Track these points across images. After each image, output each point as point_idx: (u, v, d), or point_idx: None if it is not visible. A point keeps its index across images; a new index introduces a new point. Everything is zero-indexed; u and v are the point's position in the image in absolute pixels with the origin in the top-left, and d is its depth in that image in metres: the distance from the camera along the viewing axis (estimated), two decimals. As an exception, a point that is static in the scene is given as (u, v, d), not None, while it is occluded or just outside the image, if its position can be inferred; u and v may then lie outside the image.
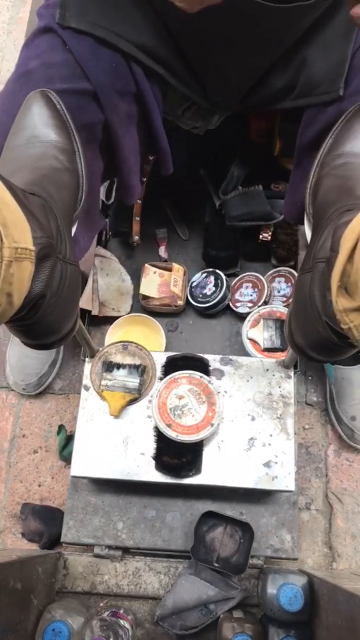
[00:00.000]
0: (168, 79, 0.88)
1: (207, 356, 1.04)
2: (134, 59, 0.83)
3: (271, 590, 0.96)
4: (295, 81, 0.86)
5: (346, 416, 1.19)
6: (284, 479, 0.95)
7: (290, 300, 1.28)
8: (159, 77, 0.88)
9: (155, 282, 1.35)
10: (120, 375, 0.99)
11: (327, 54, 0.81)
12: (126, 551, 1.10)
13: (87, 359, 1.02)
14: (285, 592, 0.92)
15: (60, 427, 1.26)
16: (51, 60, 0.80)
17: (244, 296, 1.32)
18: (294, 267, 1.36)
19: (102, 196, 1.25)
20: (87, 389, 1.01)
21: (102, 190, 1.17)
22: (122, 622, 0.96)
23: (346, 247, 0.49)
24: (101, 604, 1.08)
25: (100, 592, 1.07)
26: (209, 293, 1.31)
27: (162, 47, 0.83)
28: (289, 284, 1.32)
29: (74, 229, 0.76)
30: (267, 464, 0.96)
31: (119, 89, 0.83)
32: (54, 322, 0.63)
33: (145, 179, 1.17)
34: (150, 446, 0.97)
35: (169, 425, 0.94)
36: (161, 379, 1.00)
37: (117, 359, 1.01)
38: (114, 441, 0.98)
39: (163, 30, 0.82)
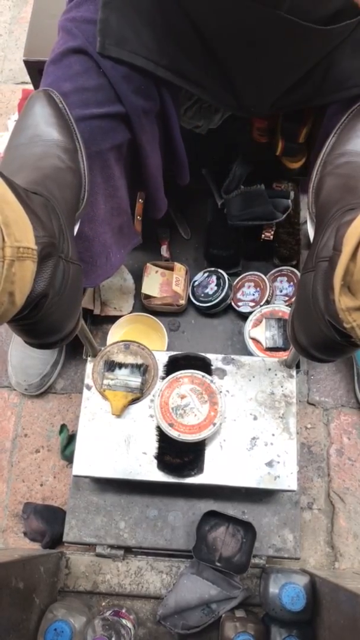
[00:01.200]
0: (201, 96, 0.89)
1: (209, 355, 1.04)
2: (165, 81, 0.84)
3: (273, 589, 0.95)
4: (325, 80, 0.85)
5: None
6: (286, 479, 0.95)
7: (293, 299, 1.27)
8: (178, 89, 0.88)
9: (157, 282, 1.34)
10: (122, 374, 0.99)
11: (356, 51, 0.81)
12: (128, 550, 1.10)
13: (89, 359, 1.02)
14: (287, 591, 0.92)
15: (62, 427, 1.26)
16: (85, 85, 0.80)
17: (246, 295, 1.32)
18: (296, 267, 1.35)
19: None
20: (89, 388, 1.01)
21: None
22: (124, 621, 0.96)
23: (349, 245, 0.48)
24: (103, 604, 1.08)
25: (102, 592, 1.07)
26: (211, 292, 1.31)
27: (196, 68, 0.83)
28: (291, 283, 1.32)
29: (76, 228, 0.76)
30: (269, 464, 0.96)
31: (147, 109, 0.84)
32: (56, 322, 0.63)
33: (142, 201, 1.17)
34: (152, 445, 0.97)
35: (171, 425, 0.93)
36: (163, 378, 1.00)
37: (119, 358, 1.01)
38: (116, 440, 0.98)
39: (199, 51, 0.81)
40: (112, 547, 1.08)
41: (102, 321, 1.35)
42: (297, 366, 1.03)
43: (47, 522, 1.16)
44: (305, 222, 1.39)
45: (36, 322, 0.59)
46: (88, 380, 1.01)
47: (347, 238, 0.50)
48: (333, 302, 0.52)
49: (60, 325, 0.64)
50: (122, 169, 0.90)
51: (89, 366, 1.01)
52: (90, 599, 1.08)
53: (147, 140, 0.88)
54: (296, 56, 0.80)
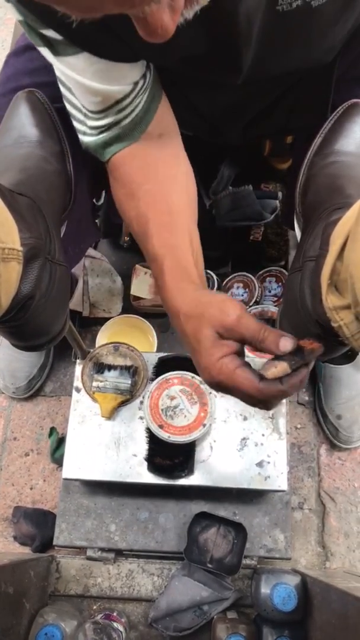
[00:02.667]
0: None
1: (199, 356, 1.04)
2: None
3: (265, 590, 0.95)
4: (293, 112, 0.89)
5: (332, 415, 1.19)
6: (277, 479, 0.95)
7: (281, 299, 1.28)
8: None
9: (147, 283, 1.34)
10: (111, 376, 0.99)
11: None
12: (119, 553, 1.10)
13: (78, 361, 1.01)
14: (278, 592, 0.92)
15: (52, 430, 1.25)
16: (45, 80, 0.78)
17: (235, 296, 1.32)
18: (285, 267, 1.36)
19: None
20: (78, 390, 1.00)
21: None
22: (115, 624, 0.96)
23: (336, 244, 0.48)
24: (94, 607, 1.07)
25: (93, 595, 1.07)
26: (200, 293, 1.30)
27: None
28: (280, 284, 1.32)
29: (63, 229, 0.76)
30: (259, 464, 0.96)
31: None
32: (43, 324, 0.63)
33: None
34: (143, 447, 0.97)
35: (161, 426, 0.93)
36: (153, 379, 0.99)
37: (109, 360, 1.01)
38: (105, 443, 0.97)
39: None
40: (102, 550, 1.07)
41: (91, 323, 1.35)
42: (287, 366, 1.03)
43: (37, 526, 1.15)
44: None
45: (23, 324, 0.58)
46: (77, 382, 1.00)
47: (334, 237, 0.50)
48: (320, 302, 0.52)
49: (47, 327, 0.64)
50: (80, 163, 0.89)
51: (78, 368, 1.01)
52: (81, 602, 1.07)
53: None
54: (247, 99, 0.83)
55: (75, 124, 0.73)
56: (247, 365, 0.58)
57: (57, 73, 0.67)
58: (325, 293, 0.50)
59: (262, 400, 0.58)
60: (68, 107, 0.72)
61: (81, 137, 0.73)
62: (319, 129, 0.77)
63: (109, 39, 0.58)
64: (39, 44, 0.63)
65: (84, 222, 0.96)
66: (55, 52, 0.63)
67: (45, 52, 0.64)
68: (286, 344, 0.54)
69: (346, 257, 0.46)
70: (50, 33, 0.60)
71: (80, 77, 0.64)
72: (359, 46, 0.75)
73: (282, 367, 0.55)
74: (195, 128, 0.90)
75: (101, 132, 0.71)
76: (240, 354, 0.59)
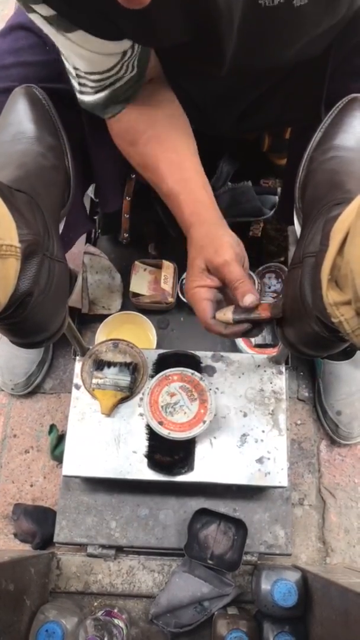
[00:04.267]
0: None
1: (199, 353, 1.04)
2: None
3: (265, 586, 0.95)
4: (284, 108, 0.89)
5: (332, 411, 1.19)
6: (277, 475, 0.95)
7: (281, 295, 1.27)
8: None
9: (146, 280, 1.34)
10: (111, 373, 0.98)
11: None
12: (119, 550, 1.10)
13: (77, 358, 1.01)
14: (279, 587, 0.92)
15: (52, 427, 1.25)
16: (29, 60, 0.80)
17: (234, 292, 1.31)
18: (284, 263, 1.35)
19: (91, 194, 1.24)
20: (78, 387, 1.00)
21: (91, 189, 1.16)
22: (116, 621, 0.96)
23: (336, 240, 0.48)
24: (95, 604, 1.07)
25: (94, 592, 1.07)
26: (199, 290, 1.30)
27: None
28: (279, 280, 1.31)
29: (61, 226, 0.75)
30: (259, 460, 0.96)
31: None
32: (42, 321, 0.62)
33: (129, 198, 1.17)
34: (143, 444, 0.97)
35: (160, 423, 0.93)
36: (152, 376, 0.99)
37: (108, 357, 1.01)
38: (105, 440, 0.97)
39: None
40: (103, 546, 1.07)
41: (91, 320, 1.34)
42: (287, 362, 1.03)
43: (38, 523, 1.15)
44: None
45: (21, 321, 0.58)
46: (77, 379, 1.00)
47: (334, 233, 0.50)
48: (321, 297, 0.52)
49: (46, 324, 0.64)
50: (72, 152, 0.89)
51: (78, 365, 1.01)
52: (82, 599, 1.07)
53: (94, 127, 0.86)
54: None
55: (72, 81, 0.74)
56: (213, 302, 0.71)
57: (50, 35, 0.67)
58: (326, 289, 0.50)
59: (205, 329, 0.72)
60: (65, 63, 0.72)
61: (79, 96, 0.75)
62: (315, 123, 0.77)
63: (99, 21, 0.60)
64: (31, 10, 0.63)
65: (73, 210, 0.97)
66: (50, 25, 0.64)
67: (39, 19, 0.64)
68: (248, 299, 0.67)
69: (346, 252, 0.46)
70: (43, 10, 0.60)
71: (72, 45, 0.65)
72: (352, 40, 0.75)
73: (227, 317, 0.69)
74: (189, 119, 0.90)
75: (97, 92, 0.73)
76: (220, 290, 0.72)
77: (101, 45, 0.64)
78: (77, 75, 0.71)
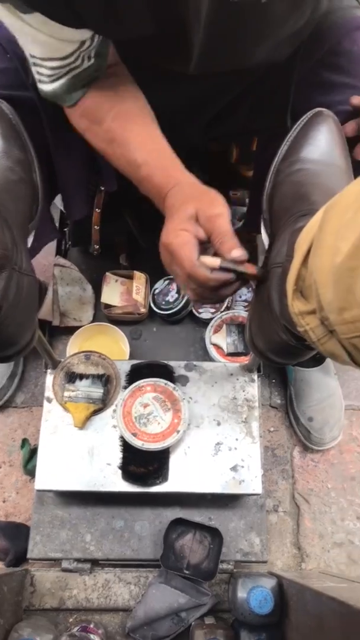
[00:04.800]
0: None
1: (172, 363, 1.04)
2: None
3: (241, 594, 0.96)
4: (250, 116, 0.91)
5: (304, 417, 1.21)
6: (251, 483, 0.96)
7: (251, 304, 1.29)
8: None
9: (117, 291, 1.34)
10: (83, 385, 0.98)
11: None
12: (95, 563, 1.08)
13: (49, 371, 1.01)
14: (255, 595, 0.93)
15: (24, 441, 1.23)
16: None
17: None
18: (255, 272, 1.37)
19: (60, 206, 1.24)
20: (49, 401, 0.99)
21: (60, 201, 1.16)
22: (92, 636, 0.95)
23: (300, 251, 0.49)
24: (70, 620, 1.06)
25: (69, 608, 1.05)
26: (171, 300, 1.31)
27: None
28: (250, 289, 1.33)
29: (30, 239, 0.75)
30: (233, 468, 0.96)
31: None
32: (12, 335, 0.62)
33: (99, 210, 1.18)
34: (116, 456, 0.97)
35: (134, 434, 0.93)
36: (125, 387, 0.99)
37: (80, 369, 1.00)
38: (79, 453, 0.97)
39: None
40: (78, 560, 1.06)
41: (62, 332, 1.34)
42: (259, 370, 1.04)
43: (11, 540, 1.13)
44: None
45: (-9, 335, 0.58)
46: (49, 392, 0.99)
47: (298, 244, 0.51)
48: (287, 307, 0.53)
49: (15, 339, 0.63)
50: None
51: (49, 378, 1.00)
52: (57, 615, 1.06)
53: (58, 136, 0.87)
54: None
55: (32, 70, 0.74)
56: (197, 250, 0.66)
57: (4, 18, 0.66)
58: (291, 299, 0.51)
59: (191, 278, 0.65)
60: (25, 52, 0.72)
61: (39, 86, 0.74)
62: (280, 132, 0.79)
63: (59, 5, 0.60)
64: None
65: (39, 219, 0.97)
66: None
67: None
68: (237, 252, 0.64)
69: (310, 263, 0.47)
70: None
71: (29, 29, 0.65)
72: (316, 53, 0.78)
73: (214, 261, 0.64)
74: None
75: (55, 80, 0.72)
76: (201, 242, 0.67)
77: (60, 30, 0.64)
78: (34, 63, 0.71)
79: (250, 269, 0.65)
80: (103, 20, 0.62)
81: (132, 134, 0.74)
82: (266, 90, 0.86)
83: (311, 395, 1.20)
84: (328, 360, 1.22)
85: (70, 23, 0.63)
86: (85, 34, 0.66)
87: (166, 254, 0.69)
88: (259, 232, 0.82)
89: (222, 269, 0.64)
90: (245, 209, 1.25)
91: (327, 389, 1.21)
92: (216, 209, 0.67)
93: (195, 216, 0.67)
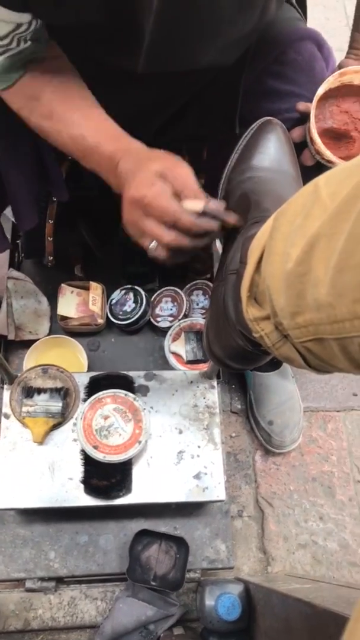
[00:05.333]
0: None
1: (131, 373, 1.03)
2: None
3: (209, 602, 0.96)
4: (199, 121, 0.91)
5: (264, 421, 1.22)
6: (215, 489, 0.96)
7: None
8: None
9: (73, 302, 1.32)
10: (41, 400, 0.96)
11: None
12: (60, 581, 1.06)
13: (5, 386, 0.98)
14: (222, 602, 0.93)
15: (-18, 459, 1.20)
16: None
17: (164, 311, 1.33)
18: (211, 280, 1.38)
19: (12, 218, 1.22)
20: (7, 417, 0.97)
21: (10, 212, 1.14)
22: (59, 656, 0.93)
23: (253, 258, 0.50)
24: (37, 641, 1.03)
25: (34, 629, 1.03)
26: (129, 310, 1.30)
27: None
28: (207, 296, 1.34)
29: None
30: (197, 476, 0.96)
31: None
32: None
33: (52, 221, 1.17)
34: (78, 470, 0.95)
35: (95, 447, 0.92)
36: (85, 400, 0.98)
37: (38, 383, 0.99)
38: (39, 469, 0.95)
39: None
40: (42, 579, 1.03)
41: (18, 346, 1.31)
42: (218, 377, 1.05)
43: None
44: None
45: None
46: (6, 409, 0.97)
47: (251, 251, 0.52)
48: (242, 313, 0.54)
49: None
50: None
51: (6, 394, 0.98)
52: (22, 637, 1.03)
53: (4, 148, 0.86)
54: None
55: None
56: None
57: None
58: (246, 305, 0.52)
59: (176, 226, 0.64)
60: None
61: None
62: (230, 141, 0.80)
63: None
64: None
65: None
66: None
67: None
68: (214, 202, 0.65)
69: (263, 269, 0.48)
70: None
71: None
72: (262, 61, 0.80)
73: (197, 206, 0.64)
74: None
75: None
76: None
77: None
78: None
79: (231, 217, 0.66)
80: (52, 3, 0.61)
81: (72, 108, 0.73)
82: (215, 97, 0.88)
83: (270, 399, 1.22)
84: (285, 364, 1.24)
85: (14, 6, 0.62)
86: (24, 17, 0.65)
87: (135, 209, 0.66)
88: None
89: (205, 214, 0.64)
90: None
91: (285, 392, 1.23)
92: (184, 167, 0.67)
93: (162, 174, 0.66)
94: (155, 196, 0.64)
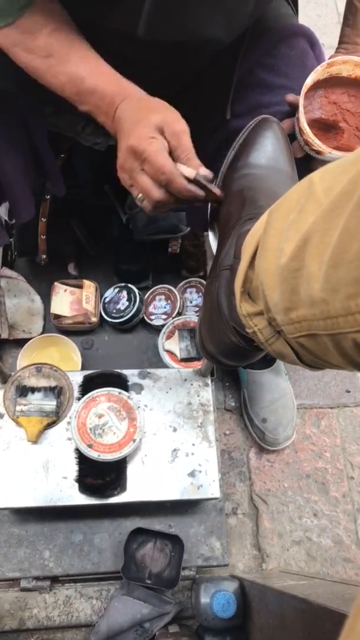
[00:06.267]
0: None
1: (125, 371, 1.03)
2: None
3: (204, 599, 0.96)
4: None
5: (258, 418, 1.22)
6: (209, 487, 0.96)
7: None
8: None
9: (67, 300, 1.32)
10: (35, 399, 0.96)
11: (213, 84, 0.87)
12: (55, 580, 1.06)
13: (-1, 385, 0.98)
14: (217, 599, 0.93)
15: (-24, 459, 1.20)
16: None
17: (157, 309, 1.33)
18: (204, 277, 1.38)
19: (4, 215, 1.22)
20: (1, 416, 0.97)
21: (4, 210, 1.14)
22: (54, 655, 0.93)
23: (247, 253, 0.50)
24: (32, 640, 1.03)
25: (30, 628, 1.03)
26: (122, 308, 1.30)
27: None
28: (200, 294, 1.34)
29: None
30: (191, 474, 0.96)
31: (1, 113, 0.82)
32: None
33: (44, 219, 1.16)
34: (72, 469, 0.95)
35: (90, 446, 0.92)
36: (79, 399, 0.98)
37: (31, 382, 0.98)
38: (33, 468, 0.94)
39: None
40: (37, 578, 1.03)
41: (11, 345, 1.30)
42: (212, 374, 1.05)
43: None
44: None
45: None
46: (-1, 407, 0.97)
47: (245, 247, 0.52)
48: (235, 309, 0.54)
49: None
50: None
51: (0, 393, 0.97)
52: (17, 637, 1.03)
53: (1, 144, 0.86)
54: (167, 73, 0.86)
55: None
56: None
57: None
58: (239, 300, 0.52)
59: (168, 184, 0.66)
60: None
61: None
62: (220, 125, 0.80)
63: None
64: None
65: None
66: None
67: None
68: (205, 170, 0.67)
69: (257, 265, 0.48)
70: None
71: None
72: (254, 55, 0.80)
73: (191, 172, 0.66)
74: None
75: None
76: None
77: None
78: None
79: (216, 189, 0.68)
80: None
81: (72, 49, 0.72)
82: (210, 83, 0.88)
83: (264, 396, 1.22)
84: (279, 362, 1.24)
85: None
86: None
87: (132, 159, 0.68)
88: (203, 230, 0.83)
89: (195, 181, 0.66)
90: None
91: (278, 389, 1.23)
92: (181, 124, 0.67)
93: (161, 128, 0.67)
94: (154, 153, 0.65)
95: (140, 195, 0.69)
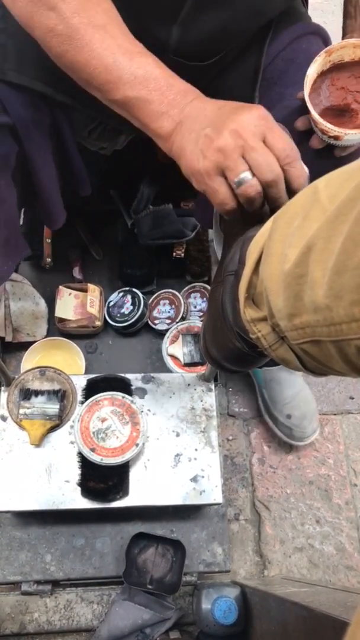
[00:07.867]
0: (102, 118, 0.92)
1: (129, 375, 1.03)
2: (55, 100, 0.83)
3: (205, 605, 0.95)
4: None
5: (282, 416, 1.22)
6: (212, 492, 0.96)
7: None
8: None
9: (71, 304, 1.32)
10: (39, 402, 0.96)
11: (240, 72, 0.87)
12: (56, 584, 1.06)
13: (2, 388, 0.98)
14: (219, 605, 0.93)
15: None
16: None
17: (161, 313, 1.33)
18: (208, 282, 1.38)
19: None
20: (4, 419, 0.97)
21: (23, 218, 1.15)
22: (55, 660, 0.92)
23: (251, 259, 0.50)
24: (32, 644, 1.03)
25: (30, 632, 1.02)
26: (126, 312, 1.30)
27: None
28: (205, 299, 1.34)
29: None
30: (194, 479, 0.96)
31: (36, 121, 0.83)
32: None
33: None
34: (75, 472, 0.95)
35: (92, 450, 0.92)
36: (82, 402, 0.98)
37: (35, 385, 0.98)
38: (36, 471, 0.94)
39: None
40: (38, 582, 1.03)
41: (15, 348, 1.31)
42: (215, 379, 1.04)
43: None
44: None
45: None
46: (3, 410, 0.97)
47: (249, 252, 0.52)
48: (239, 314, 0.54)
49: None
50: (8, 180, 0.87)
51: (3, 396, 0.98)
52: (18, 641, 1.03)
53: (37, 152, 0.86)
54: None
55: None
56: None
57: None
58: (243, 306, 0.52)
59: (293, 157, 0.59)
60: None
61: None
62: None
63: None
64: None
65: (12, 239, 0.95)
66: None
67: None
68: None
69: (261, 271, 0.48)
70: None
71: None
72: (276, 47, 0.83)
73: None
74: None
75: None
76: None
77: None
78: None
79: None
80: None
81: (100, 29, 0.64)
82: (233, 79, 0.88)
83: (283, 393, 1.22)
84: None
85: None
86: None
87: (239, 139, 0.59)
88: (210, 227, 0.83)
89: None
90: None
91: (296, 385, 1.23)
92: (279, 129, 0.61)
93: (262, 133, 0.60)
94: (277, 132, 0.60)
95: (247, 173, 0.59)
